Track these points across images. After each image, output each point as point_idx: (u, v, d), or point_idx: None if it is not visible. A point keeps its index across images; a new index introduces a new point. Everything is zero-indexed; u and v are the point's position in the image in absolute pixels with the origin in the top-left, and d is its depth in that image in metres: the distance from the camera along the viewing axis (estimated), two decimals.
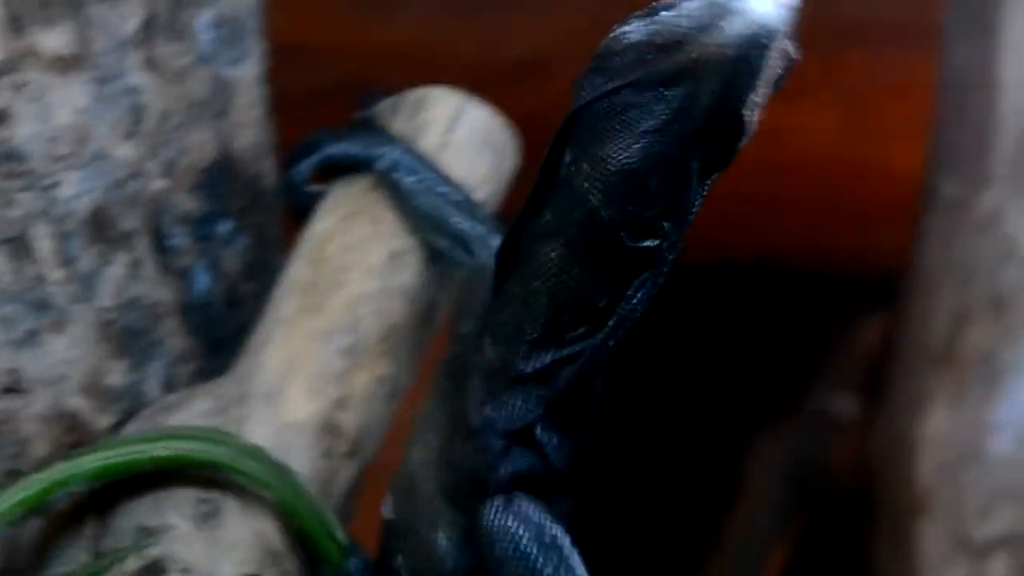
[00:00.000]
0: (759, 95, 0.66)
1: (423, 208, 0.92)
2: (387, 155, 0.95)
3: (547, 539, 0.77)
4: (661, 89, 0.65)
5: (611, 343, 0.75)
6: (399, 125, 0.99)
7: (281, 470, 0.82)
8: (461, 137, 0.97)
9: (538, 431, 0.77)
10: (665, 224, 0.70)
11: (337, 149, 0.97)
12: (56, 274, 0.91)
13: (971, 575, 1.18)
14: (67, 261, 0.92)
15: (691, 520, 1.53)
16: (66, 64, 0.89)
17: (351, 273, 0.93)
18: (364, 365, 0.90)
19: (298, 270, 0.94)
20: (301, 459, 0.83)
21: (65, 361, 0.91)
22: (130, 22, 0.94)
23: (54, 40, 0.89)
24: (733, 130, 0.66)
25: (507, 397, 0.77)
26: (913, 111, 1.37)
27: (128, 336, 0.95)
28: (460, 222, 0.90)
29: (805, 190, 1.60)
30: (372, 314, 0.92)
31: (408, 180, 0.93)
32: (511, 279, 0.77)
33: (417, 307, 0.94)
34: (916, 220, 1.30)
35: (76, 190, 0.91)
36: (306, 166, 0.97)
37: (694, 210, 0.71)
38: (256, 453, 0.82)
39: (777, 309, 1.64)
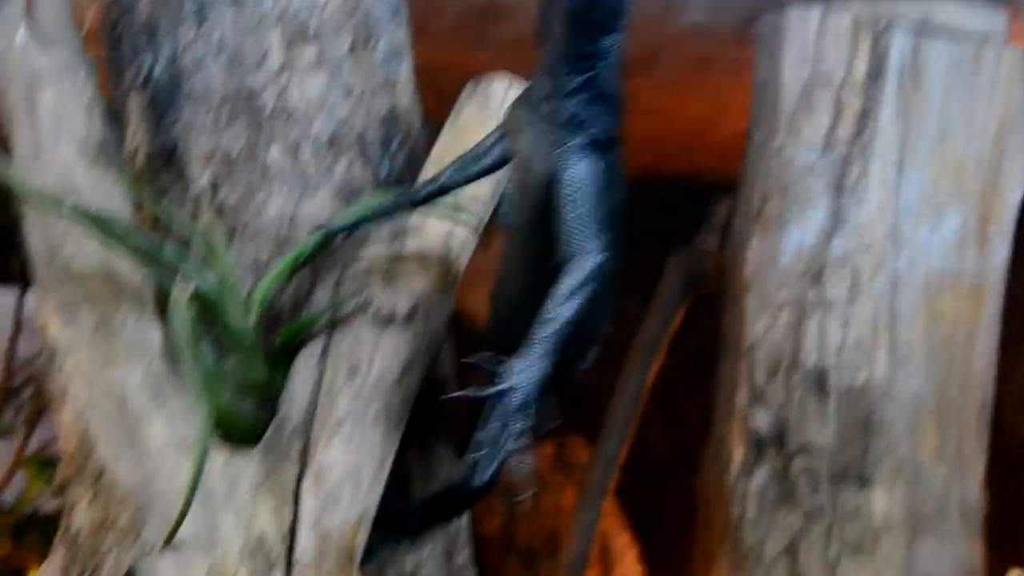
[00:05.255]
0: None
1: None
2: None
3: (602, 184, 1.26)
4: None
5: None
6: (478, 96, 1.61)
7: None
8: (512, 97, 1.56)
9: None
10: None
11: None
12: (313, 165, 1.57)
13: (768, 326, 2.26)
14: (318, 159, 1.58)
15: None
16: (316, 65, 1.59)
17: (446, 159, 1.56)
18: None
19: (430, 163, 1.61)
20: None
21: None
22: (346, 43, 1.63)
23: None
24: None
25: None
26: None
27: (352, 194, 1.61)
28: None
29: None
30: None
31: None
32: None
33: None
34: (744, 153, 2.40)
35: (321, 127, 1.60)
36: None
37: None
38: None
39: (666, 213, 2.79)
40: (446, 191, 1.48)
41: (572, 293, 1.26)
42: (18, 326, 3.05)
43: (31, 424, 3.03)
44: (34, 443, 3.00)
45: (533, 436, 1.29)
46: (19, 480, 2.96)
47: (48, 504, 2.82)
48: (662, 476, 3.51)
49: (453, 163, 1.48)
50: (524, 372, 1.26)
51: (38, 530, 2.79)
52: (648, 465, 3.33)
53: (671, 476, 3.14)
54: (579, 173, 1.29)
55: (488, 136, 1.46)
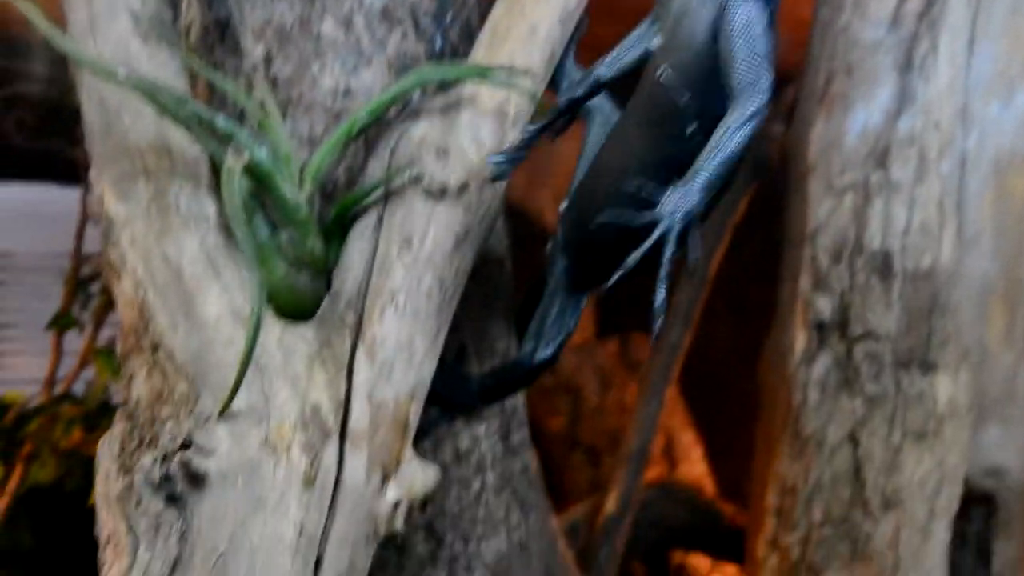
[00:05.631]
0: None
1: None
2: None
3: (767, 26, 1.31)
4: None
5: None
6: None
7: None
8: None
9: None
10: None
11: None
12: (366, 37, 1.55)
13: (832, 210, 2.23)
14: (371, 31, 1.55)
15: None
16: None
17: (510, 35, 1.54)
18: None
19: (484, 34, 1.56)
20: None
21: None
22: None
23: None
24: None
25: None
26: None
27: (405, 66, 1.58)
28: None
29: None
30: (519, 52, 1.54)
31: None
32: None
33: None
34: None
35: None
36: None
37: None
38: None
39: None
40: (601, 88, 1.48)
41: (740, 126, 1.26)
42: (84, 220, 3.08)
43: (99, 317, 3.08)
44: (103, 336, 3.05)
45: (677, 268, 1.30)
46: (88, 373, 3.01)
47: (118, 395, 2.86)
48: (725, 368, 3.50)
49: (603, 58, 1.46)
50: (682, 201, 1.27)
51: (108, 420, 2.83)
52: (711, 357, 3.30)
53: (734, 368, 3.12)
54: (749, 12, 1.29)
55: (639, 27, 1.44)
